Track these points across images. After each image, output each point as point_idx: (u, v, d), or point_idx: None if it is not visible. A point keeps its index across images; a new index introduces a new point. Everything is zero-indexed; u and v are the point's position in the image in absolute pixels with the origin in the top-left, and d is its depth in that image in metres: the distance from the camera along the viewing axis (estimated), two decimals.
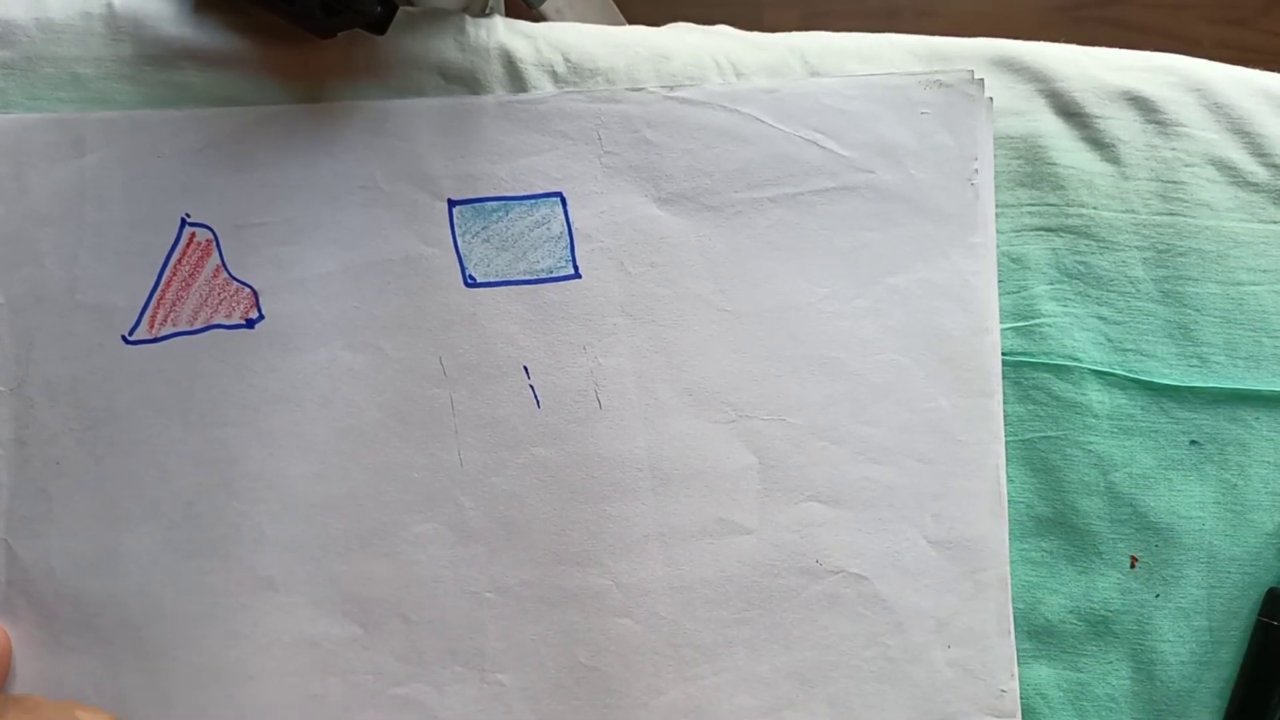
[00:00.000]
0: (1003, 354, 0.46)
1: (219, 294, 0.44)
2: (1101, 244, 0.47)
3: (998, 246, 0.47)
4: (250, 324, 0.45)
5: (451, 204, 0.45)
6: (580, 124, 0.45)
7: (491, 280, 0.45)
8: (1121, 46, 0.49)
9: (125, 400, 0.44)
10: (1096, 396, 0.47)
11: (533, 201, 0.45)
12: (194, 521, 0.44)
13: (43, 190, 0.44)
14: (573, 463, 0.45)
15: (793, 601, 0.45)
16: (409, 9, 0.46)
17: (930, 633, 0.45)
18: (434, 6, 0.46)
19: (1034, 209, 0.47)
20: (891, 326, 0.46)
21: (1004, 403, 0.46)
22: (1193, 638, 0.46)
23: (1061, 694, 0.46)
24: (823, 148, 0.46)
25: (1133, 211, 0.47)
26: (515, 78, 0.46)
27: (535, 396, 0.45)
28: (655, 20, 0.50)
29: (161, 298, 0.44)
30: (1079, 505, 0.46)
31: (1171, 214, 0.47)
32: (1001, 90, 0.47)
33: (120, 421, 0.44)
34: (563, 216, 0.45)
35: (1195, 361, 0.47)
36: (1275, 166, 0.47)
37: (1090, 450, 0.46)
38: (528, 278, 0.45)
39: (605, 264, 0.45)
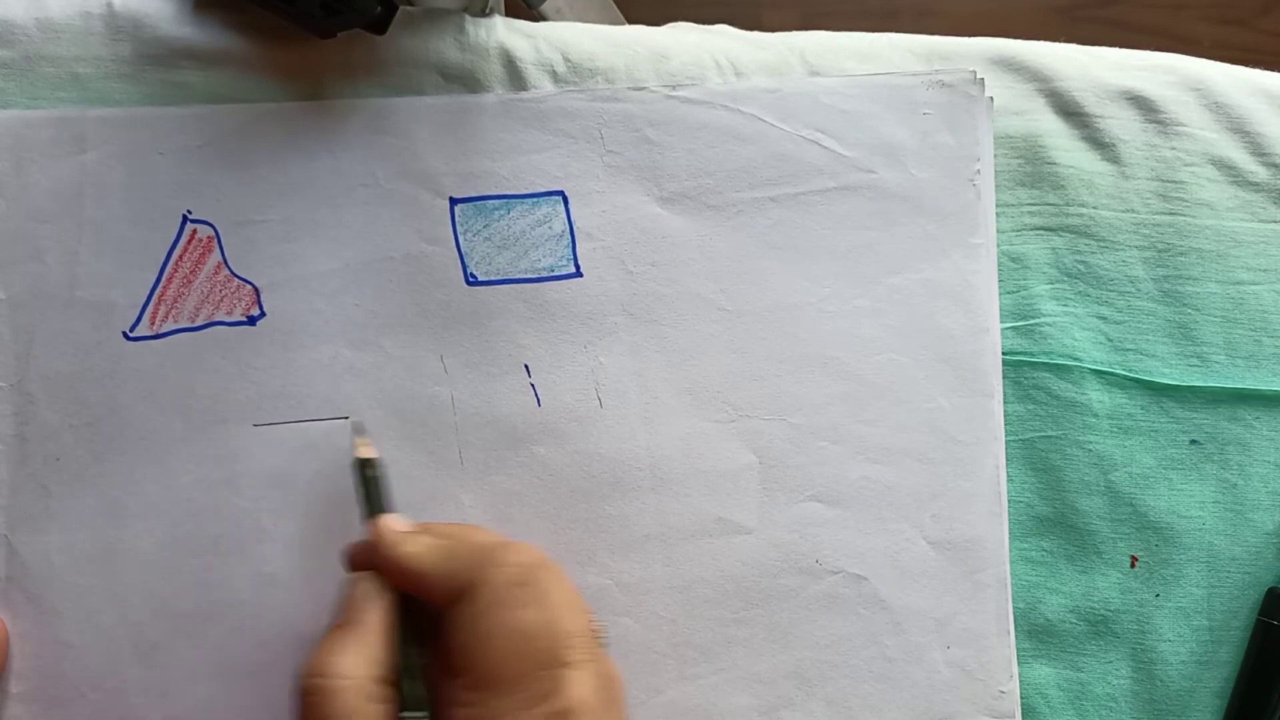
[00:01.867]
0: (1003, 353, 0.46)
1: (220, 291, 0.44)
2: (1101, 243, 0.47)
3: (998, 246, 0.47)
4: (251, 321, 0.45)
5: (453, 202, 0.45)
6: (582, 123, 0.45)
7: (493, 279, 0.45)
8: (1121, 46, 0.50)
9: (126, 396, 0.44)
10: (1096, 396, 0.47)
11: (534, 200, 0.45)
12: (195, 518, 0.44)
13: (43, 187, 0.44)
14: (573, 461, 0.45)
15: (792, 601, 0.45)
16: (409, 9, 0.46)
17: (929, 633, 0.45)
18: (434, 6, 0.46)
19: (1034, 208, 0.47)
20: (892, 326, 0.46)
21: (1004, 402, 0.46)
22: (1193, 637, 0.46)
23: (1061, 693, 0.46)
24: (824, 147, 0.46)
25: (1133, 211, 0.47)
26: (515, 77, 0.46)
27: (536, 395, 0.45)
28: (655, 20, 0.50)
29: (163, 294, 0.44)
30: (1079, 505, 0.46)
31: (1171, 213, 0.47)
32: (1001, 90, 0.47)
33: (121, 418, 0.44)
34: (564, 215, 0.45)
35: (1195, 361, 0.47)
36: (1275, 166, 0.47)
37: (1090, 450, 0.46)
38: (529, 276, 0.45)
39: (606, 263, 0.45)
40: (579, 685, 0.35)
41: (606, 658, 0.38)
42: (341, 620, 0.38)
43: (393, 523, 0.40)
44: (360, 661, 0.36)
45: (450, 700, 0.36)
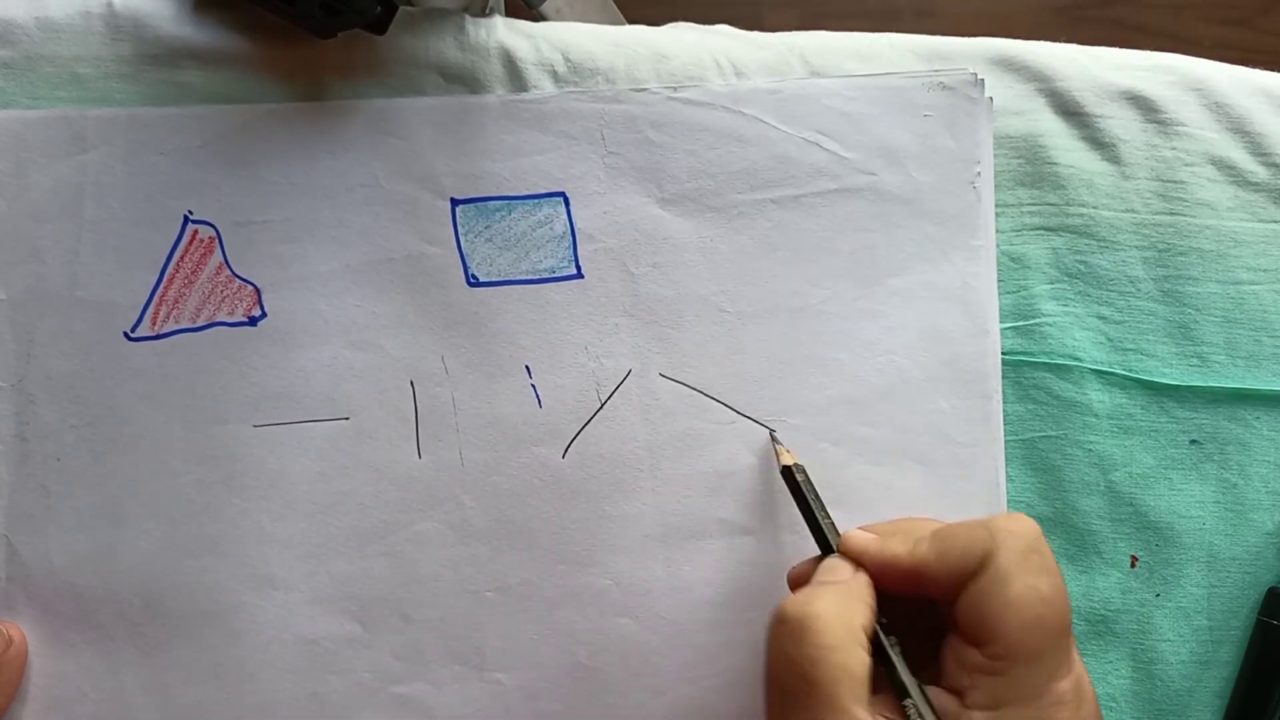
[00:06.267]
0: (1003, 354, 0.46)
1: (221, 291, 0.44)
2: (1101, 243, 0.47)
3: (998, 246, 0.47)
4: (252, 321, 0.45)
5: (454, 203, 0.45)
6: (583, 124, 0.45)
7: (494, 280, 0.45)
8: (1121, 46, 0.49)
9: (126, 397, 0.44)
10: (1097, 396, 0.47)
11: (536, 201, 0.45)
12: (195, 519, 0.44)
13: (44, 187, 0.44)
14: (573, 462, 0.45)
15: None
16: (409, 9, 0.46)
17: None
18: (434, 6, 0.46)
19: (1034, 208, 0.47)
20: (892, 328, 0.46)
21: (1004, 402, 0.46)
22: (1193, 637, 0.46)
23: None
24: (825, 149, 0.46)
25: (1133, 211, 0.47)
26: (515, 77, 0.46)
27: (537, 396, 0.45)
28: (655, 20, 0.50)
29: (164, 295, 0.44)
30: (1079, 505, 0.46)
31: (1171, 213, 0.47)
32: (1001, 90, 0.47)
33: (121, 418, 0.44)
34: (565, 216, 0.45)
35: (1195, 361, 0.47)
36: (1275, 166, 0.47)
37: (1090, 450, 0.46)
38: (530, 277, 0.45)
39: (608, 264, 0.45)
40: (1079, 656, 0.36)
41: None
42: (817, 582, 0.39)
43: (865, 534, 0.40)
44: (843, 607, 0.36)
45: (970, 668, 0.36)
